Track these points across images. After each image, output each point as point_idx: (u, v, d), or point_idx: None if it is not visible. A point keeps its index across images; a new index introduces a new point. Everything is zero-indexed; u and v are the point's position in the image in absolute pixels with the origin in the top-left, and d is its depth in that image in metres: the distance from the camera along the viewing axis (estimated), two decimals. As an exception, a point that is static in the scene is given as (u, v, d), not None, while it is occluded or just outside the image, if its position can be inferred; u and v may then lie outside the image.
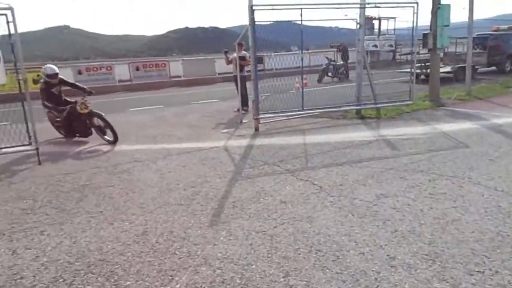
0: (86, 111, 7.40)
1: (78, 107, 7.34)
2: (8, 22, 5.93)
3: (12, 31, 5.99)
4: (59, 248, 3.58)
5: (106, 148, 7.33)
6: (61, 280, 3.06)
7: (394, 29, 23.33)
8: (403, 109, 9.40)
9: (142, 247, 3.51)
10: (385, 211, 3.95)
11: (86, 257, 3.39)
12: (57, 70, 7.64)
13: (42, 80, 7.63)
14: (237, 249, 3.37)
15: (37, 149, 6.49)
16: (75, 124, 7.71)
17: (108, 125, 7.53)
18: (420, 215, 3.82)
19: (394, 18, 22.87)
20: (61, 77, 7.82)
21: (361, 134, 7.43)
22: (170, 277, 3.03)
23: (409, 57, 13.22)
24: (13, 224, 4.15)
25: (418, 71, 12.92)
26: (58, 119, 7.84)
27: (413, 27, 8.86)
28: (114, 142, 7.44)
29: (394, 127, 7.85)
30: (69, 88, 8.17)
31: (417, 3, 8.61)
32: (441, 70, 12.47)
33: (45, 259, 3.40)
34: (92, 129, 7.83)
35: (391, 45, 22.70)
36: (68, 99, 7.90)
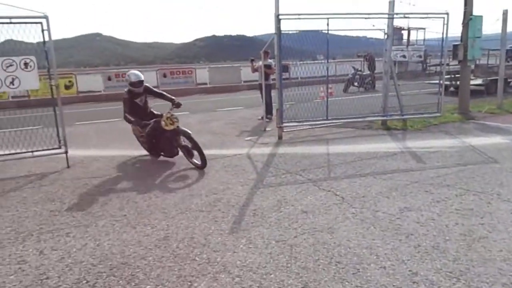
0: (172, 127, 6.18)
1: (163, 122, 6.15)
2: (43, 30, 6.20)
3: (47, 39, 6.25)
4: (84, 250, 3.67)
5: (132, 153, 7.48)
6: (84, 282, 3.13)
7: (424, 40, 22.97)
8: (430, 121, 9.20)
9: (163, 251, 3.56)
10: (408, 225, 3.86)
11: (109, 259, 3.46)
12: (142, 77, 6.50)
13: (126, 89, 6.54)
14: (256, 258, 3.37)
15: (66, 152, 6.70)
16: (160, 141, 6.59)
17: (195, 146, 6.17)
18: (445, 231, 3.71)
19: (424, 28, 22.53)
20: (147, 85, 6.74)
21: (386, 145, 7.31)
22: (189, 283, 3.05)
23: (438, 68, 12.97)
24: (41, 225, 4.29)
25: (448, 82, 12.63)
26: (142, 134, 6.79)
27: (442, 38, 8.69)
28: (203, 167, 6.09)
29: (421, 139, 7.68)
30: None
31: (447, 14, 8.45)
32: (472, 82, 12.13)
33: (70, 260, 3.49)
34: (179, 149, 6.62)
35: (420, 56, 22.33)
36: (155, 111, 6.89)
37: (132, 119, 6.34)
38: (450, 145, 7.13)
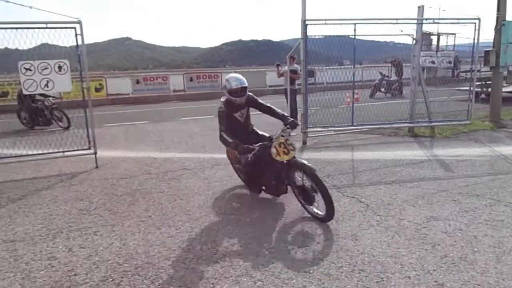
0: (286, 158, 4.31)
1: (273, 150, 4.28)
2: (76, 35, 6.43)
3: (80, 43, 6.47)
4: (110, 249, 3.77)
5: (158, 155, 7.62)
6: (110, 280, 3.22)
7: (454, 45, 22.39)
8: (459, 129, 8.96)
9: (186, 253, 3.61)
10: (435, 234, 3.78)
11: (134, 259, 3.54)
12: (245, 82, 4.78)
13: (222, 99, 4.97)
14: (278, 262, 3.37)
15: (95, 153, 6.90)
16: (265, 174, 4.70)
17: (321, 189, 4.08)
18: (473, 242, 3.61)
19: (454, 34, 21.97)
20: (251, 94, 4.96)
21: (413, 152, 7.17)
22: (212, 285, 3.08)
23: (468, 74, 12.62)
24: (71, 223, 4.43)
25: (478, 89, 12.28)
26: (240, 160, 5.01)
27: (474, 44, 8.47)
28: (327, 219, 4.10)
29: (449, 147, 7.50)
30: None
31: (479, 19, 8.24)
32: (504, 89, 11.75)
33: (97, 258, 3.59)
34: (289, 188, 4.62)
35: (449, 62, 21.76)
36: (260, 131, 5.20)
37: (230, 140, 4.49)
38: (480, 153, 6.92)
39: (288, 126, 4.66)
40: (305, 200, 4.34)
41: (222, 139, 4.68)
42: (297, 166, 4.32)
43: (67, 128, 10.42)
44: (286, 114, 4.93)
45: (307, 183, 4.25)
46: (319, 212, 4.20)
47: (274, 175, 4.60)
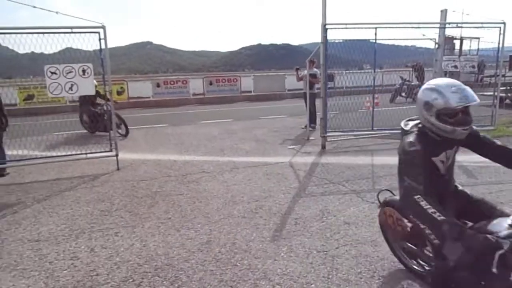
0: None
1: None
2: (100, 39, 6.58)
3: (103, 47, 6.62)
4: (131, 250, 3.83)
5: (178, 158, 7.71)
6: (130, 280, 3.27)
7: (477, 50, 21.93)
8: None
9: (205, 255, 3.64)
10: (457, 242, 3.70)
11: (154, 260, 3.59)
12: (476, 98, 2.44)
13: (411, 136, 2.54)
14: (297, 267, 3.36)
15: (116, 155, 7.03)
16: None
17: None
18: (497, 250, 3.51)
19: (478, 38, 21.51)
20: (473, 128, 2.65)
21: (435, 158, 7.03)
22: (230, 288, 3.10)
23: (492, 79, 12.33)
24: (93, 224, 4.53)
25: (503, 94, 11.99)
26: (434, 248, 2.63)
27: (498, 48, 8.29)
28: None
29: (472, 153, 7.29)
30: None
31: (504, 23, 8.06)
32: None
33: (118, 259, 3.66)
34: None
35: (473, 66, 21.33)
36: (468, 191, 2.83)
37: (438, 215, 2.18)
38: (505, 160, 6.74)
39: None
40: None
41: (414, 205, 2.32)
42: None
43: (125, 135, 10.09)
44: None
45: None
46: None
47: None
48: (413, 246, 2.99)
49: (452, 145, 2.66)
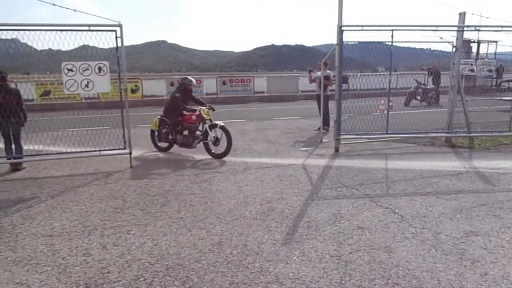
0: None
1: None
2: (116, 37, 6.62)
3: (119, 45, 6.66)
4: (142, 248, 3.83)
5: (190, 157, 7.72)
6: (142, 279, 3.26)
7: (495, 53, 21.57)
8: (500, 140, 8.59)
9: (217, 256, 3.62)
10: (474, 250, 3.61)
11: (165, 260, 3.58)
12: None
13: None
14: (309, 271, 3.32)
15: (130, 153, 7.06)
16: None
17: None
18: (516, 260, 3.43)
19: (496, 42, 21.16)
20: None
21: (450, 164, 6.93)
22: (241, 290, 3.07)
23: (510, 84, 12.10)
24: (105, 221, 4.54)
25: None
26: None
27: (517, 52, 8.10)
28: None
29: (489, 159, 7.19)
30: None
31: (524, 26, 7.89)
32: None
33: (129, 257, 3.66)
34: None
35: (490, 70, 20.98)
36: None
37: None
38: (523, 167, 6.59)
39: None
40: None
41: None
42: None
43: (222, 156, 7.57)
44: None
45: None
46: None
47: None
48: None
49: None
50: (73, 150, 7.47)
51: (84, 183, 6.12)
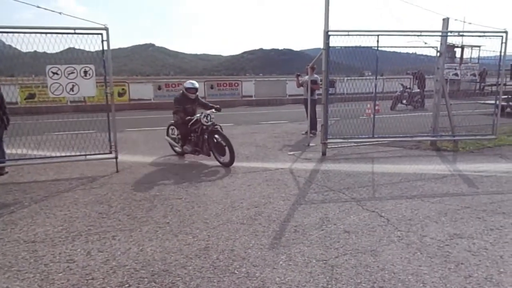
0: None
1: None
2: (102, 41, 6.56)
3: (105, 48, 6.60)
4: (128, 254, 3.78)
5: (177, 162, 7.67)
6: (126, 286, 3.22)
7: (478, 58, 21.96)
8: (484, 143, 8.74)
9: (203, 262, 3.59)
10: (458, 253, 3.66)
11: (151, 265, 3.54)
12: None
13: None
14: (296, 276, 3.31)
15: (116, 158, 6.99)
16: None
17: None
18: (499, 262, 3.47)
19: (479, 46, 21.54)
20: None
21: (435, 167, 7.01)
22: (227, 296, 3.05)
23: (493, 88, 12.34)
24: (90, 226, 4.48)
25: (504, 103, 11.98)
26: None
27: (500, 56, 8.27)
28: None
29: (473, 162, 7.30)
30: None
31: (506, 32, 8.06)
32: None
33: (114, 263, 3.61)
34: None
35: (473, 75, 21.34)
36: None
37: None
38: (506, 169, 6.71)
39: None
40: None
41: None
42: None
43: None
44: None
45: None
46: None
47: None
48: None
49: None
50: (58, 154, 7.36)
51: (69, 188, 6.04)
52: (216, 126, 7.40)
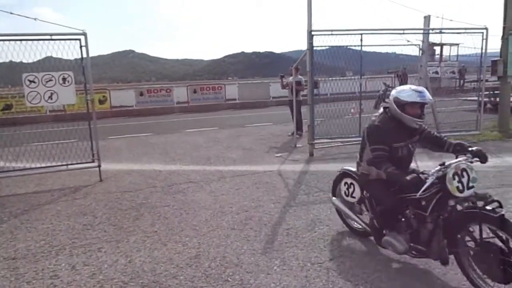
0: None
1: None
2: (81, 46, 6.37)
3: (84, 55, 6.41)
4: (115, 266, 3.62)
5: (163, 168, 7.51)
6: (115, 300, 3.07)
7: (457, 56, 22.36)
8: (468, 139, 8.80)
9: (194, 271, 3.46)
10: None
11: (140, 277, 3.39)
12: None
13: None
14: (291, 281, 3.21)
15: (99, 166, 6.78)
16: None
17: None
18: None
19: (457, 44, 21.93)
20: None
21: (423, 164, 6.97)
22: (222, 306, 2.93)
23: (474, 84, 12.56)
24: (74, 239, 4.29)
25: (486, 99, 12.16)
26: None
27: (482, 53, 8.38)
28: None
29: (459, 157, 7.32)
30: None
31: (486, 28, 8.17)
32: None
33: (101, 277, 3.44)
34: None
35: (453, 72, 21.73)
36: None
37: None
38: (491, 164, 6.74)
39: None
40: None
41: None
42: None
43: None
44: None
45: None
46: None
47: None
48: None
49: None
50: (38, 165, 7.09)
51: (51, 199, 5.81)
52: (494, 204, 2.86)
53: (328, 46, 7.92)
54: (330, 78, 10.01)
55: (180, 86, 22.76)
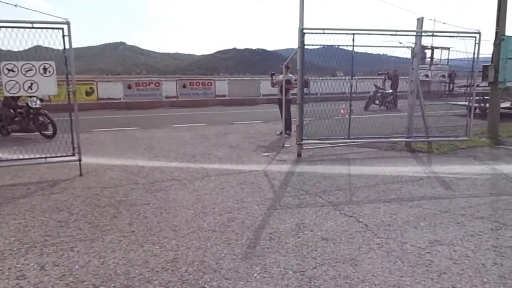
0: None
1: None
2: (64, 36, 6.11)
3: (67, 45, 6.15)
4: (87, 268, 3.42)
5: (146, 164, 7.30)
6: (83, 306, 2.88)
7: (448, 60, 22.47)
8: (457, 145, 8.77)
9: (170, 275, 3.29)
10: (440, 261, 3.49)
11: (112, 281, 3.20)
12: None
13: None
14: (271, 289, 3.06)
15: (79, 160, 6.55)
16: None
17: None
18: (482, 271, 3.33)
19: (448, 48, 22.05)
20: None
21: (412, 169, 6.93)
22: (196, 315, 2.76)
23: (464, 89, 12.54)
24: (46, 237, 4.08)
25: (476, 104, 12.16)
26: None
27: (474, 58, 8.30)
28: None
29: (448, 164, 7.27)
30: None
31: (479, 33, 8.10)
32: (501, 105, 11.62)
33: (71, 278, 3.25)
34: None
35: (443, 76, 21.84)
36: None
37: None
38: (480, 171, 6.70)
39: None
40: None
41: None
42: None
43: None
44: None
45: None
46: None
47: None
48: None
49: None
50: (15, 157, 6.83)
51: (26, 193, 5.57)
52: None
53: (320, 45, 7.76)
54: (321, 78, 9.88)
55: (170, 80, 22.45)
